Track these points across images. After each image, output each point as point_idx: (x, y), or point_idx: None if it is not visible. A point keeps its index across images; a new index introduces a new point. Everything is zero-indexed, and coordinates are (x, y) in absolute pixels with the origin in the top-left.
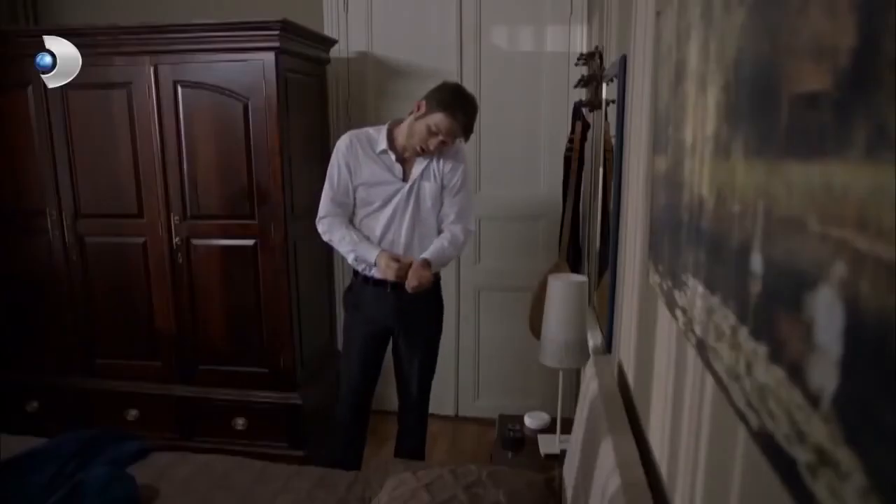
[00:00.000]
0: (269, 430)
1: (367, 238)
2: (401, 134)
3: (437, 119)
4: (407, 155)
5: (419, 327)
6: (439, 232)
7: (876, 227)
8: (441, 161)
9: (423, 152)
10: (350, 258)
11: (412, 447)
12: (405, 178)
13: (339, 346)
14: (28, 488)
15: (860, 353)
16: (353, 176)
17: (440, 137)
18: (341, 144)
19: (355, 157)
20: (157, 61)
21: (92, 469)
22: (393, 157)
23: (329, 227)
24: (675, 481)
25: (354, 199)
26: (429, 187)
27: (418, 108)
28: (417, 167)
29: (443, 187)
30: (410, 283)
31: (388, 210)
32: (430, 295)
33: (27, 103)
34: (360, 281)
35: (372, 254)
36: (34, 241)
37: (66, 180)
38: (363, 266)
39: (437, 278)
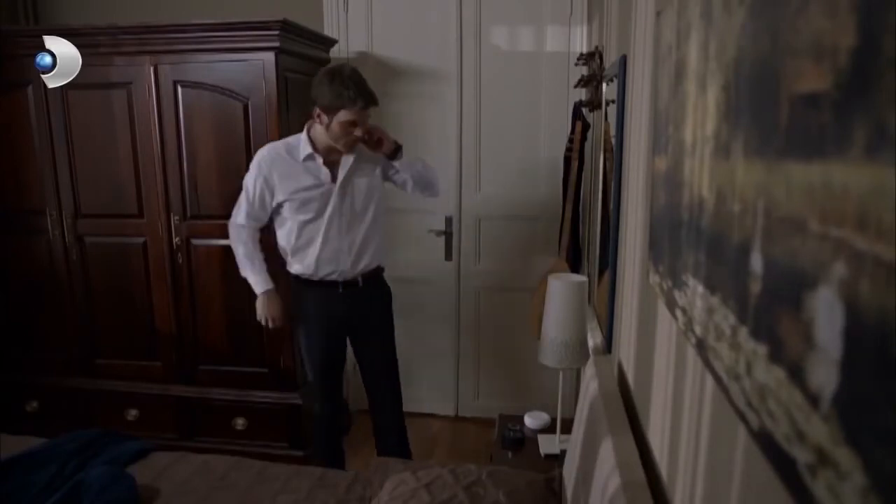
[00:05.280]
0: (269, 430)
1: (265, 264)
2: (319, 141)
3: (343, 115)
4: (335, 156)
5: (371, 322)
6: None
7: (876, 227)
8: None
9: (367, 140)
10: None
11: (395, 445)
12: (333, 180)
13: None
14: (28, 488)
15: (860, 353)
16: (276, 191)
17: (358, 125)
18: (259, 159)
19: (277, 171)
20: (157, 61)
21: (92, 469)
22: (320, 160)
23: (236, 237)
24: (675, 481)
25: (279, 211)
26: (360, 184)
27: (319, 118)
28: (344, 166)
29: (385, 175)
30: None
31: (325, 218)
32: (376, 286)
33: (27, 103)
34: (304, 285)
35: (258, 288)
36: (34, 241)
37: (66, 180)
38: (297, 269)
39: (380, 269)
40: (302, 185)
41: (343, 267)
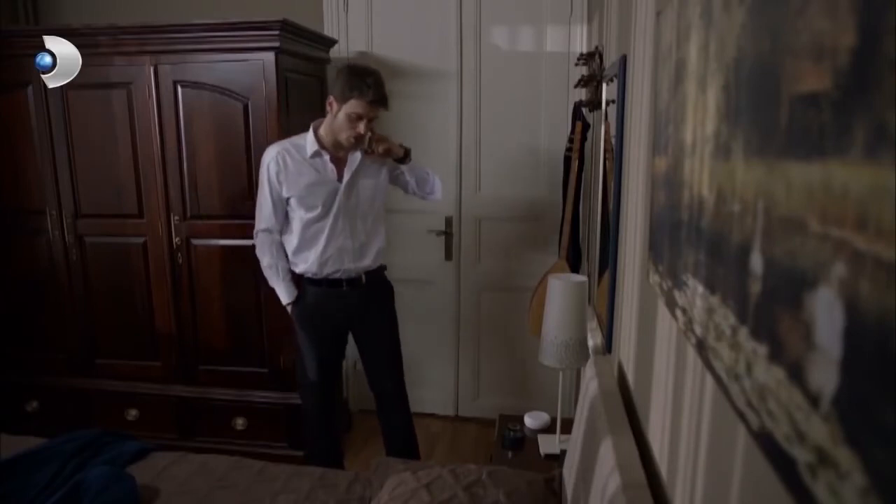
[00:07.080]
0: (269, 430)
1: (289, 273)
2: (326, 135)
3: (352, 106)
4: (342, 153)
5: (375, 320)
6: None
7: (876, 227)
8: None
9: (360, 140)
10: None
11: (404, 445)
12: (340, 179)
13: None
14: (28, 488)
15: (860, 353)
16: (285, 188)
17: (364, 120)
18: (268, 159)
19: (285, 170)
20: (157, 61)
21: (92, 469)
22: (327, 157)
23: (261, 248)
24: (675, 481)
25: (288, 208)
26: (366, 184)
27: (331, 107)
28: (350, 165)
29: (391, 177)
30: (377, 144)
31: (331, 216)
32: (379, 284)
33: (27, 103)
34: (307, 283)
35: (284, 298)
36: (34, 241)
37: (66, 180)
38: (301, 269)
39: (382, 268)
40: (309, 182)
41: (347, 265)
